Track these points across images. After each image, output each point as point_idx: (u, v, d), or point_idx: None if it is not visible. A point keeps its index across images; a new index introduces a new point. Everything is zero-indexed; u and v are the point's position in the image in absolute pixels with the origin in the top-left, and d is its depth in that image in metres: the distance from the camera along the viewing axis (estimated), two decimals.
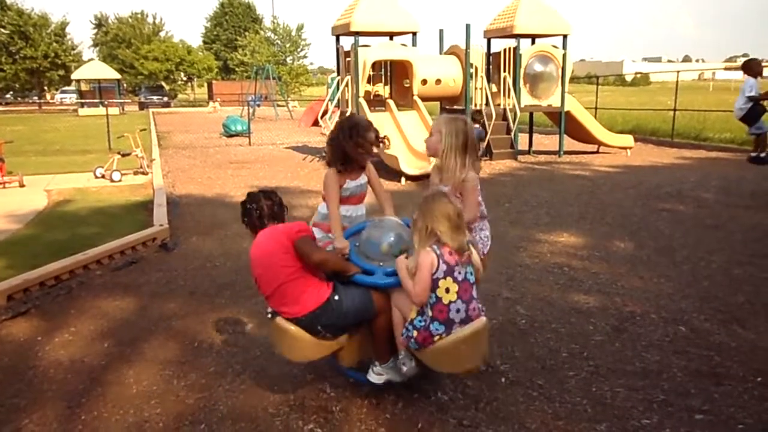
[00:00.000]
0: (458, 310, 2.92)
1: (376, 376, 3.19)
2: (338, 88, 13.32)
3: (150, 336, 4.19)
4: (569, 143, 14.71)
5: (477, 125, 11.82)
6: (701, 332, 4.07)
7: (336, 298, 3.05)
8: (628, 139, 14.49)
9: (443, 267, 2.91)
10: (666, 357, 3.72)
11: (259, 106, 32.27)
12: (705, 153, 14.48)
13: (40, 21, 50.93)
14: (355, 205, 3.70)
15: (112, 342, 4.09)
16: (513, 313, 4.44)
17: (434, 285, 2.91)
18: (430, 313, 2.92)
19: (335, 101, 13.58)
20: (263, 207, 3.24)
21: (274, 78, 35.90)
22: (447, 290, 2.91)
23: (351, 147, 3.49)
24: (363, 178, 3.70)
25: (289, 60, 59.55)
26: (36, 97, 50.72)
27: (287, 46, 60.39)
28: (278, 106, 33.67)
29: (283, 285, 3.02)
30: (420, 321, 2.95)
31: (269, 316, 3.16)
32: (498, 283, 5.10)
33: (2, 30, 49.52)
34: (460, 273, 2.95)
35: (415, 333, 2.96)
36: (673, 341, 3.94)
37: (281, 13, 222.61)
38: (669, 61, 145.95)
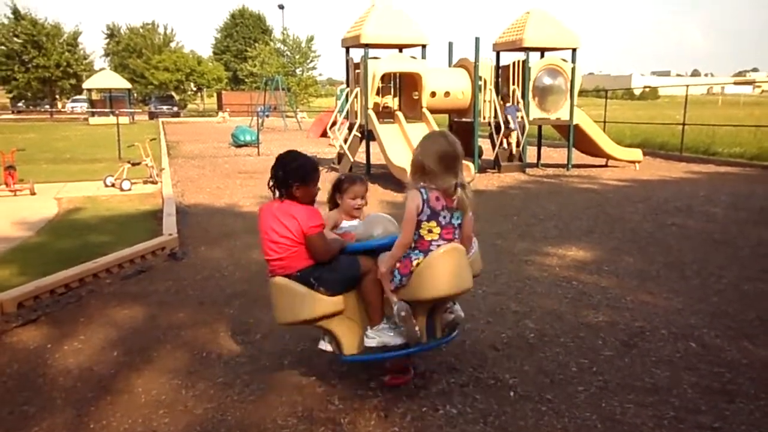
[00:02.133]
0: (438, 245, 3.13)
1: (369, 339, 3.29)
2: (347, 100, 13.39)
3: (159, 345, 4.20)
4: (577, 156, 14.71)
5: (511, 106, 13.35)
6: (712, 348, 4.04)
7: None
8: (636, 153, 14.49)
9: (427, 211, 3.09)
10: (676, 373, 3.69)
11: (268, 116, 32.44)
12: (714, 167, 14.45)
13: (53, 31, 51.58)
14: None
15: (121, 351, 4.11)
16: (522, 326, 4.42)
17: (418, 225, 3.11)
18: (411, 245, 3.14)
19: (344, 113, 13.64)
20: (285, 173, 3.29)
21: (283, 89, 36.11)
22: (429, 231, 3.13)
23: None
24: (356, 221, 3.81)
25: (298, 71, 59.87)
26: (47, 106, 51.18)
27: (297, 57, 60.72)
28: (287, 116, 33.85)
29: (285, 256, 3.27)
30: (403, 256, 3.16)
31: (270, 277, 3.38)
32: (507, 297, 5.09)
33: (16, 39, 50.15)
34: (444, 217, 3.13)
35: (398, 266, 3.16)
36: (684, 357, 3.92)
37: (291, 25, 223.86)
38: (678, 75, 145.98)
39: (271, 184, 3.33)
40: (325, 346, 3.54)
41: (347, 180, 3.81)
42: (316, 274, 3.27)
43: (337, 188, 3.80)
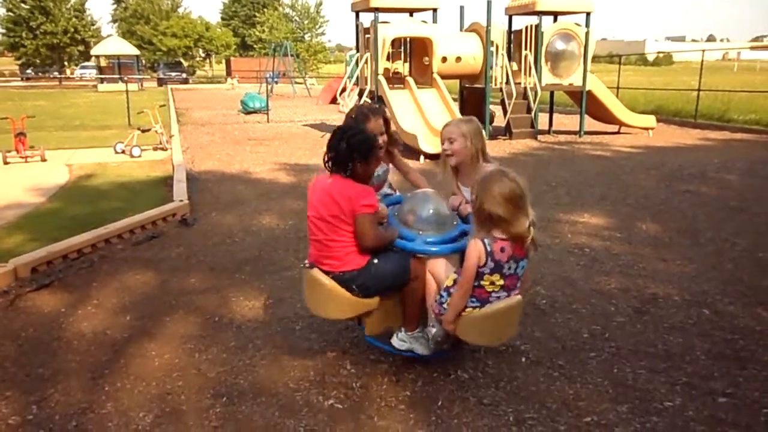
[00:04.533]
0: (498, 298, 2.90)
1: (400, 341, 3.18)
2: (357, 66, 13.23)
3: (171, 310, 4.22)
4: (590, 123, 14.52)
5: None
6: (725, 315, 4.02)
7: (375, 261, 3.09)
8: (650, 120, 14.28)
9: (491, 264, 2.79)
10: (689, 339, 3.68)
11: (277, 83, 32.20)
12: (729, 134, 14.24)
13: None
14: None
15: (134, 315, 4.14)
16: (533, 293, 4.41)
17: (479, 276, 2.82)
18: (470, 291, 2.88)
19: (354, 79, 13.50)
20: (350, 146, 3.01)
21: (292, 55, 35.75)
22: (492, 283, 2.85)
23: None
24: (383, 166, 3.73)
25: (307, 37, 59.19)
26: (56, 73, 51.03)
27: (305, 23, 59.98)
28: (296, 83, 33.59)
29: (331, 241, 3.05)
30: (456, 290, 2.91)
31: (306, 266, 3.21)
32: None
33: (23, 5, 49.79)
34: (510, 268, 2.84)
35: (448, 300, 2.95)
36: (697, 324, 3.90)
37: None
38: (693, 40, 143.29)
39: (326, 158, 3.07)
40: None
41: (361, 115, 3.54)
42: (360, 281, 3.07)
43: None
